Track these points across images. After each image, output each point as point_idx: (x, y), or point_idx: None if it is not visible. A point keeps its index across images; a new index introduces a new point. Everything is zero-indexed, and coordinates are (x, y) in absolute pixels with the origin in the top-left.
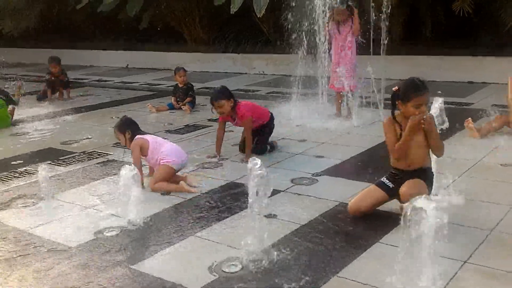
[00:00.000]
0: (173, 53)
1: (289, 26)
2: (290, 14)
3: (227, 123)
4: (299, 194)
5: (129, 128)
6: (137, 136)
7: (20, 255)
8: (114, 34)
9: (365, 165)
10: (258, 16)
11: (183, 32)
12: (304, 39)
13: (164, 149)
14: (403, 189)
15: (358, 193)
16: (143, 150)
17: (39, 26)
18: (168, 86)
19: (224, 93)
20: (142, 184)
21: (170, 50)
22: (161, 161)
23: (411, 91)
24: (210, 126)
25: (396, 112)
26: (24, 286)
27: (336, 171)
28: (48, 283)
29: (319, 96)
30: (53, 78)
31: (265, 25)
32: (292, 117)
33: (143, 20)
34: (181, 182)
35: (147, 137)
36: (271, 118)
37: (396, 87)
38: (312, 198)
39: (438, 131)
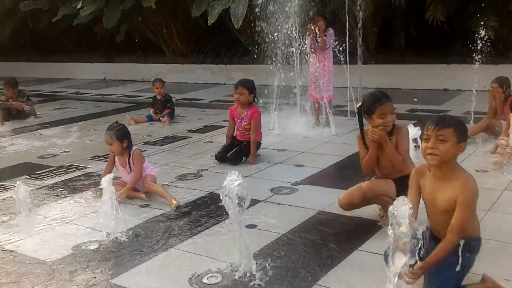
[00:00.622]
0: (151, 65)
1: (266, 37)
2: (267, 25)
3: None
4: (279, 204)
5: (127, 138)
6: (135, 148)
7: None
8: (91, 47)
9: (344, 173)
10: (236, 28)
11: (160, 45)
12: (282, 49)
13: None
14: (364, 183)
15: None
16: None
17: (14, 40)
18: (147, 98)
19: (251, 85)
20: (123, 198)
21: (148, 62)
22: (150, 172)
23: (373, 104)
24: (190, 137)
25: (366, 127)
26: None
27: (315, 179)
28: None
29: (297, 106)
30: (9, 101)
31: (242, 36)
32: (271, 127)
33: (120, 32)
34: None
35: None
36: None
37: (360, 103)
38: (292, 207)
39: (408, 145)
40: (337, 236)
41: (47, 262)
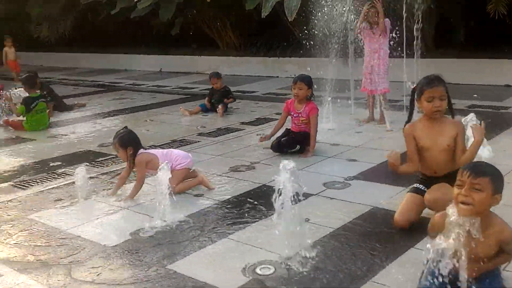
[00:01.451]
0: (205, 57)
1: (320, 30)
2: (321, 17)
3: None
4: (332, 198)
5: (131, 145)
6: (142, 151)
7: (59, 256)
8: (147, 39)
9: None
10: (289, 20)
11: (214, 37)
12: (336, 42)
13: (175, 155)
14: (426, 196)
15: (395, 203)
16: (151, 165)
17: (74, 32)
18: (200, 90)
19: (310, 81)
20: (114, 193)
21: (202, 54)
22: (178, 166)
23: (423, 85)
24: (242, 129)
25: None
26: (63, 284)
27: (369, 175)
28: (86, 282)
29: (351, 100)
30: None
31: (296, 28)
32: (324, 120)
33: (175, 26)
34: (200, 175)
35: (153, 151)
36: None
37: (414, 85)
38: (345, 202)
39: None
40: (392, 233)
41: (107, 246)
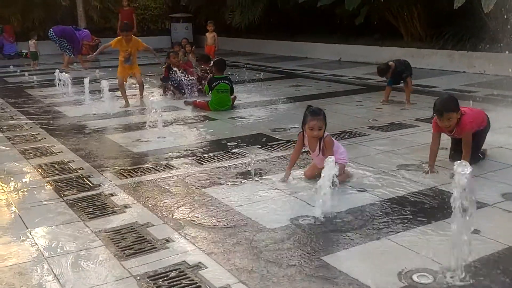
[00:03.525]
0: (386, 48)
1: None
2: None
3: None
4: (510, 211)
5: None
6: (327, 134)
7: (223, 231)
8: (330, 28)
9: None
10: (485, 12)
11: (399, 27)
12: None
13: (342, 150)
14: None
15: None
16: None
17: (263, 19)
18: (377, 81)
19: (455, 105)
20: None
21: (384, 45)
22: (340, 160)
23: None
24: (417, 126)
25: None
26: (219, 256)
27: None
28: (239, 258)
29: None
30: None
31: (492, 21)
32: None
33: (360, 15)
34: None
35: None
36: (488, 123)
37: None
38: None
39: None
40: None
41: (269, 229)
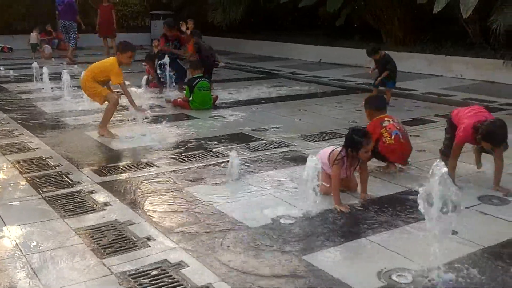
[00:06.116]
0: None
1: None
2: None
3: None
4: (485, 214)
5: None
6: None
7: (204, 229)
8: (311, 30)
9: None
10: (464, 17)
11: (378, 30)
12: None
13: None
14: None
15: None
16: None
17: (245, 19)
18: (357, 83)
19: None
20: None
21: (363, 47)
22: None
23: None
24: None
25: None
26: (200, 254)
27: None
28: (220, 256)
29: None
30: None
31: (470, 26)
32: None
33: (340, 17)
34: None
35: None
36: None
37: None
38: (501, 220)
39: None
40: None
41: (249, 227)
